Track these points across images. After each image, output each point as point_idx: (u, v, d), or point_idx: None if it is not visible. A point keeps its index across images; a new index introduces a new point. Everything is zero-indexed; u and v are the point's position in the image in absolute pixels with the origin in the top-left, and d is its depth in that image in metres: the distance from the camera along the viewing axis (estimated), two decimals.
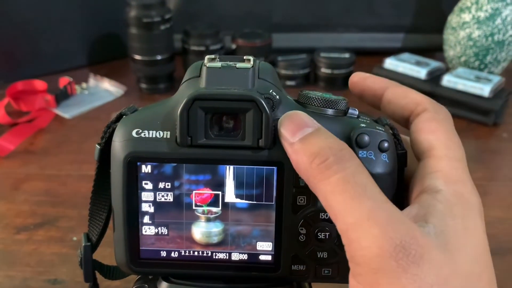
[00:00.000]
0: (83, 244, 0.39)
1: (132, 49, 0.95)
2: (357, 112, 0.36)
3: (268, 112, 0.33)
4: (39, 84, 0.93)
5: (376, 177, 0.34)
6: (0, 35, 0.98)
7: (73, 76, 0.98)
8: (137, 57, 0.94)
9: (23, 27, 0.99)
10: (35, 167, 0.78)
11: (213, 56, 0.35)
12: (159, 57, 0.95)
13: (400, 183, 0.37)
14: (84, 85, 0.99)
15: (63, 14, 1.02)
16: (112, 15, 1.04)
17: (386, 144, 0.34)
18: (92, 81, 1.00)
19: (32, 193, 0.72)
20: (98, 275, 0.41)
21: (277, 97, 0.34)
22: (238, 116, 0.34)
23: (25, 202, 0.70)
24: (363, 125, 0.35)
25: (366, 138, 0.34)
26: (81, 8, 1.03)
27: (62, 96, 0.93)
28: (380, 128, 0.35)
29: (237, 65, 0.34)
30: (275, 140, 0.34)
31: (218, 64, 0.34)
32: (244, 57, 0.35)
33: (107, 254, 0.42)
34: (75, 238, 0.64)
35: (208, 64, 0.34)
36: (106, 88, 0.98)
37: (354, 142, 0.34)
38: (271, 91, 0.34)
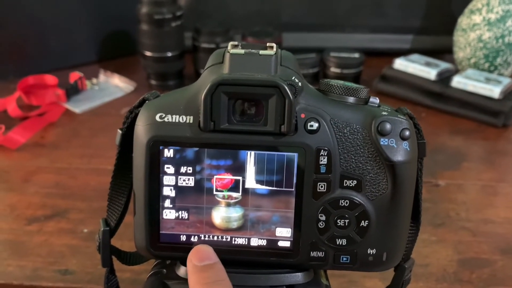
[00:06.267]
0: (102, 229, 0.39)
1: (142, 46, 0.95)
2: (378, 101, 0.36)
3: (291, 98, 0.33)
4: (50, 78, 0.94)
5: (397, 165, 0.34)
6: (11, 31, 0.98)
7: (83, 72, 0.98)
8: (148, 53, 0.95)
9: (33, 23, 0.99)
10: (45, 160, 0.78)
11: (236, 42, 0.35)
12: (169, 54, 0.95)
13: (418, 173, 0.37)
14: (94, 80, 0.99)
15: (74, 10, 1.03)
16: (123, 11, 1.04)
17: (407, 133, 0.34)
18: (103, 77, 1.00)
19: (42, 185, 0.72)
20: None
21: (299, 84, 0.34)
22: (261, 102, 0.34)
23: (36, 194, 0.70)
24: (385, 113, 0.35)
25: (388, 126, 0.34)
26: (92, 4, 1.04)
27: (72, 91, 0.93)
28: (401, 117, 0.35)
29: (260, 52, 0.34)
30: (297, 126, 0.34)
31: (241, 50, 0.34)
32: (267, 44, 0.35)
33: (117, 246, 0.42)
34: (85, 230, 0.64)
35: (232, 51, 0.34)
36: (116, 84, 0.98)
37: (375, 130, 0.34)
38: (293, 78, 0.34)
